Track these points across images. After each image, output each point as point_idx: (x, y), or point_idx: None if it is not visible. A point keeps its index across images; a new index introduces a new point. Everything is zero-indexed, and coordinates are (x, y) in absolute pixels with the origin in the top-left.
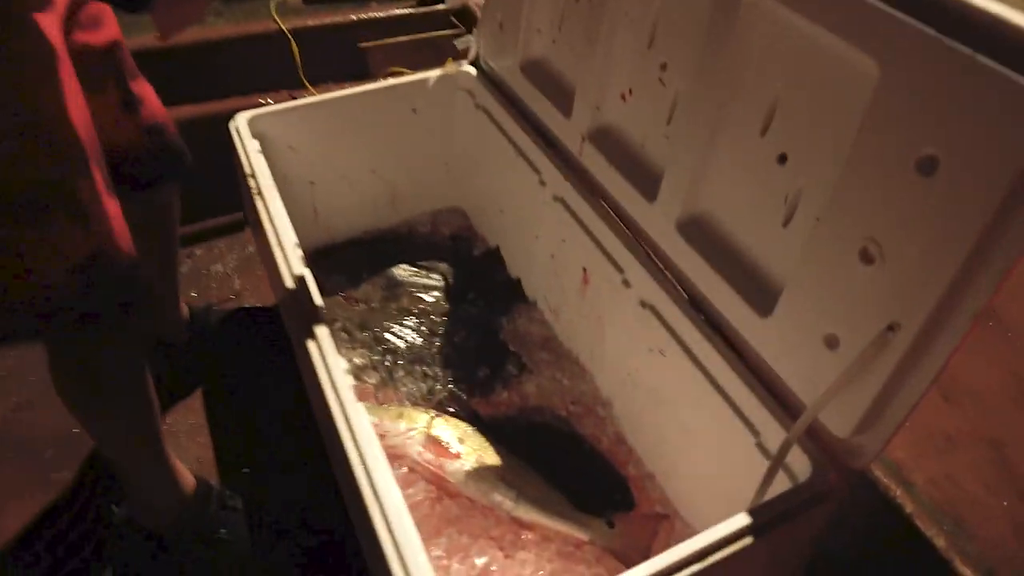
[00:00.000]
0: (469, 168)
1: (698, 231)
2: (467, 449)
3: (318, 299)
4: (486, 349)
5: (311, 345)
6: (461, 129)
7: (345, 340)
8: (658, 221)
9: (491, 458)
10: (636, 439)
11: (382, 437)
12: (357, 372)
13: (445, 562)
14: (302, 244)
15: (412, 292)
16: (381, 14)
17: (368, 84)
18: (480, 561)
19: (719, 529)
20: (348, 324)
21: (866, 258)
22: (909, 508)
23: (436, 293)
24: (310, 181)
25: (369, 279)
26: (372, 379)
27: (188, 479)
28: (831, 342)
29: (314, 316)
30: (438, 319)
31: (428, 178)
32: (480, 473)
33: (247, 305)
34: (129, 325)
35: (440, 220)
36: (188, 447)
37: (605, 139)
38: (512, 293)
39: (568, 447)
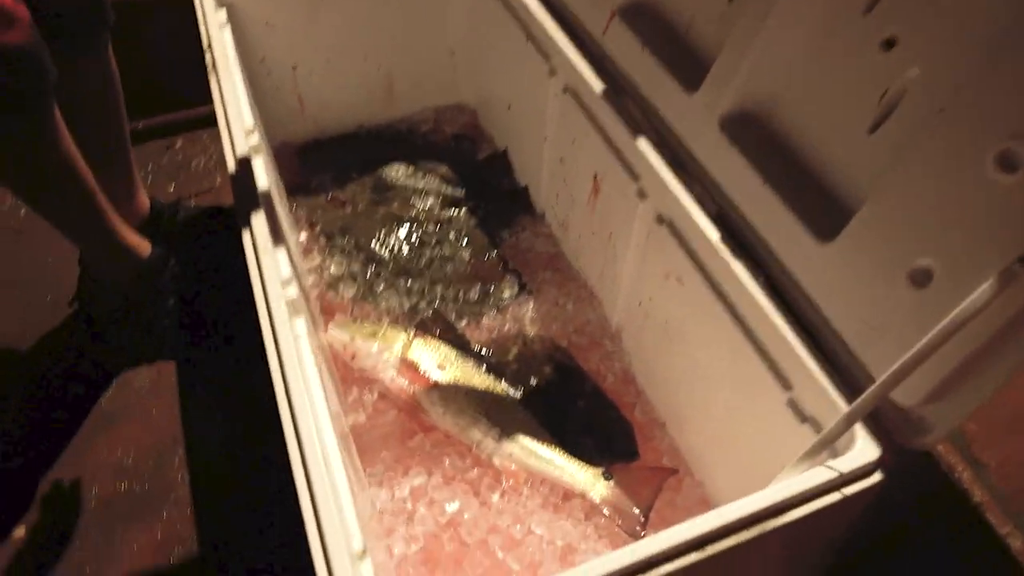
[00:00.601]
0: (476, 56)
1: (748, 130)
2: (447, 377)
3: (262, 182)
4: (482, 264)
5: (246, 238)
6: (464, 6)
7: (323, 246)
8: (696, 117)
9: (474, 389)
10: (646, 380)
11: (353, 358)
12: (333, 282)
13: (410, 506)
14: (286, 138)
15: (405, 196)
16: None
17: None
18: (451, 507)
19: (738, 507)
20: (329, 228)
21: (1007, 165)
22: (977, 496)
23: (432, 199)
24: (292, 65)
25: (358, 179)
26: (349, 291)
27: (142, 247)
28: (919, 277)
29: (253, 203)
30: (431, 228)
31: (430, 67)
32: (460, 405)
33: (225, 205)
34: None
35: (444, 118)
36: None
37: (640, 16)
38: (518, 203)
39: (566, 383)
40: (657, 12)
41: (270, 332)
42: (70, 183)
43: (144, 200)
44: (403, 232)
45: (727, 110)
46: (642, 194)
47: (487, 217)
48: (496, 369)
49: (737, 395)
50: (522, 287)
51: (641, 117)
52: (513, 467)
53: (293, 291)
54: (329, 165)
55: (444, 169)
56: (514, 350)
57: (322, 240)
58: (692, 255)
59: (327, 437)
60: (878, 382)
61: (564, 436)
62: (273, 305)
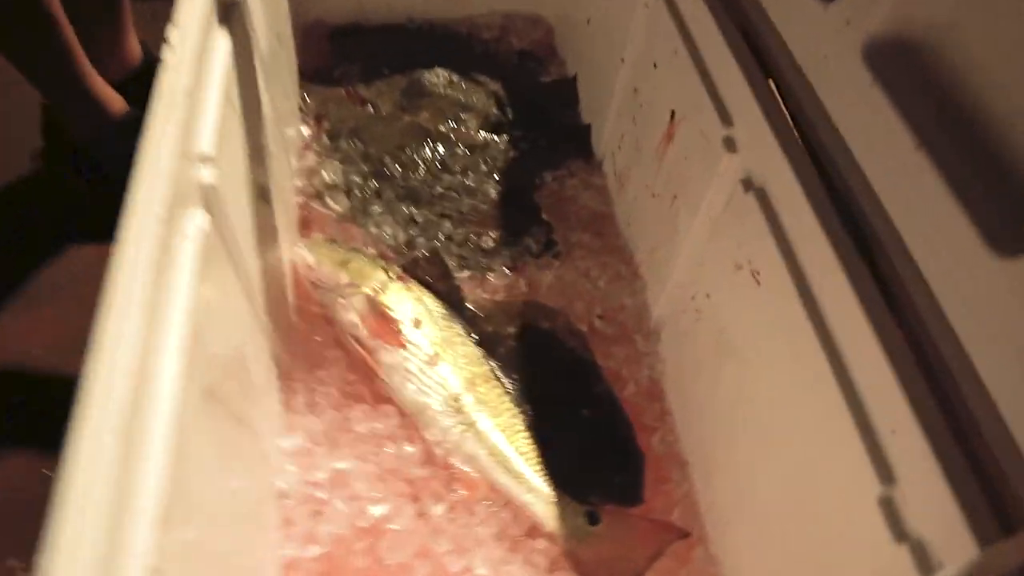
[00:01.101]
0: None
1: (903, 66)
2: (421, 338)
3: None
4: (509, 207)
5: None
6: None
7: (326, 146)
8: (829, 37)
9: (451, 361)
10: (678, 399)
11: (315, 286)
12: (323, 190)
13: (324, 495)
14: (321, 15)
15: (439, 108)
16: None
17: None
18: (376, 510)
19: None
20: (338, 126)
21: None
22: None
23: (472, 117)
24: None
25: (390, 77)
26: (339, 204)
27: (114, 104)
28: None
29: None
30: (460, 151)
31: None
32: (428, 378)
33: None
34: None
35: (513, 27)
36: None
37: None
38: (575, 142)
39: (573, 380)
40: None
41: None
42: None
43: (135, 48)
44: (425, 149)
45: (876, 32)
46: (731, 144)
47: (533, 152)
48: (488, 342)
49: (803, 460)
50: (549, 245)
51: (751, 38)
52: (474, 475)
53: (208, 174)
54: (361, 55)
55: (496, 86)
56: (518, 322)
57: (325, 139)
58: (783, 242)
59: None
60: None
61: (552, 450)
62: (144, 181)
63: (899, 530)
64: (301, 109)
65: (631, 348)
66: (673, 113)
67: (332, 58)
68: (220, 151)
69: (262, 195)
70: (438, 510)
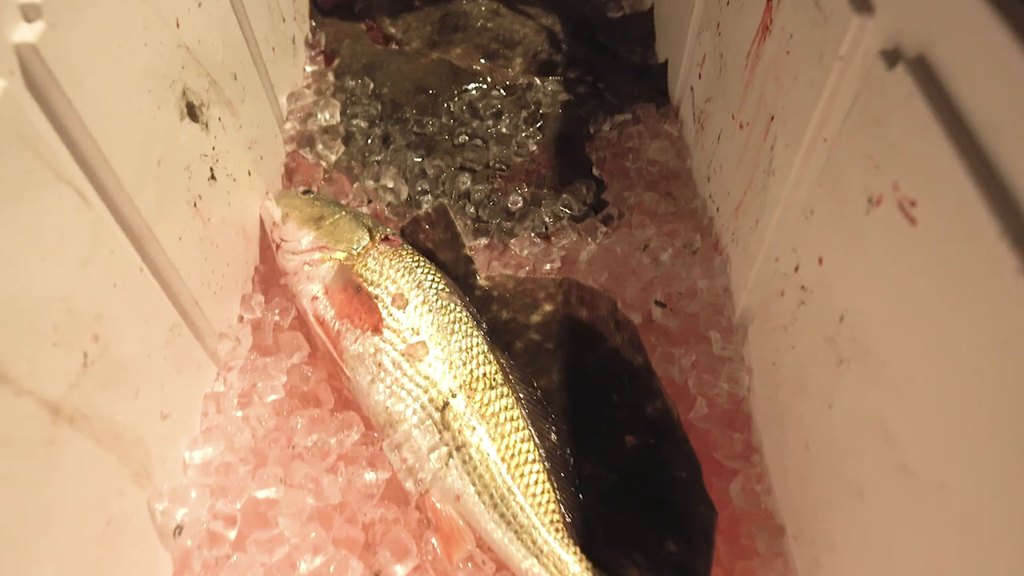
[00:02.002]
0: None
1: None
2: (404, 322)
3: None
4: (547, 160)
5: None
6: None
7: (331, 84)
8: None
9: (442, 356)
10: (772, 431)
11: (277, 248)
12: (317, 136)
13: (232, 533)
14: None
15: (477, 43)
16: None
17: None
18: (305, 565)
19: None
20: (349, 61)
21: None
22: None
23: (516, 55)
24: None
25: (421, 9)
26: (333, 152)
27: None
28: None
29: None
30: (496, 94)
31: None
32: (402, 379)
33: None
34: None
35: None
36: None
37: None
38: (647, 83)
39: (616, 393)
40: None
41: None
42: None
43: None
44: (452, 89)
45: None
46: (864, 2)
47: (590, 96)
48: (501, 333)
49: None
50: (598, 206)
51: None
52: (457, 522)
53: (28, 31)
54: None
55: (550, 19)
56: (546, 307)
57: (331, 77)
58: (965, 136)
59: None
60: None
61: (579, 494)
62: None
63: None
64: (308, 43)
65: (704, 350)
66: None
67: None
68: (64, 12)
69: (187, 112)
70: (399, 572)
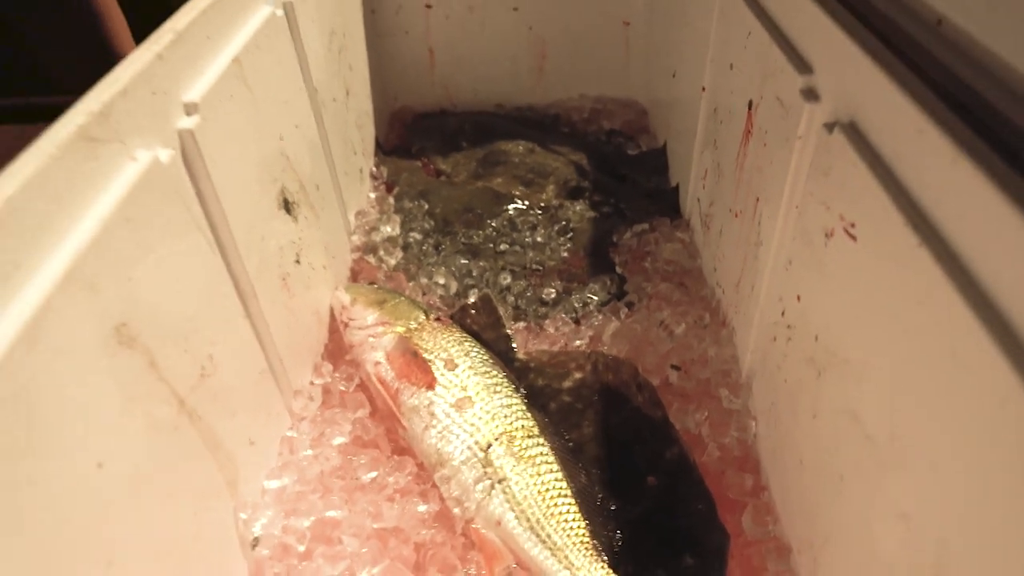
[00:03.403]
0: (657, 32)
1: None
2: (453, 382)
3: None
4: (576, 262)
5: None
6: None
7: (390, 206)
8: None
9: (486, 408)
10: (776, 467)
11: (345, 326)
12: (379, 245)
13: (303, 547)
14: (408, 102)
15: (516, 175)
16: None
17: None
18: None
19: None
20: (407, 189)
21: None
22: None
23: (550, 185)
24: (427, 3)
25: (468, 149)
26: (392, 258)
27: None
28: None
29: None
30: (532, 214)
31: (594, 39)
32: (451, 425)
33: None
34: None
35: (605, 111)
36: None
37: None
38: (661, 204)
39: (640, 442)
40: None
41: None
42: None
43: None
44: (495, 209)
45: None
46: (811, 94)
47: (613, 214)
48: (538, 396)
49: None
50: (621, 295)
51: None
52: (497, 544)
53: (189, 121)
54: (440, 133)
55: (578, 156)
56: (576, 375)
57: (391, 200)
58: (883, 173)
59: None
60: None
61: (607, 523)
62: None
63: None
64: (372, 176)
65: (715, 405)
66: (750, 103)
67: (412, 136)
68: (213, 112)
69: (284, 206)
70: None
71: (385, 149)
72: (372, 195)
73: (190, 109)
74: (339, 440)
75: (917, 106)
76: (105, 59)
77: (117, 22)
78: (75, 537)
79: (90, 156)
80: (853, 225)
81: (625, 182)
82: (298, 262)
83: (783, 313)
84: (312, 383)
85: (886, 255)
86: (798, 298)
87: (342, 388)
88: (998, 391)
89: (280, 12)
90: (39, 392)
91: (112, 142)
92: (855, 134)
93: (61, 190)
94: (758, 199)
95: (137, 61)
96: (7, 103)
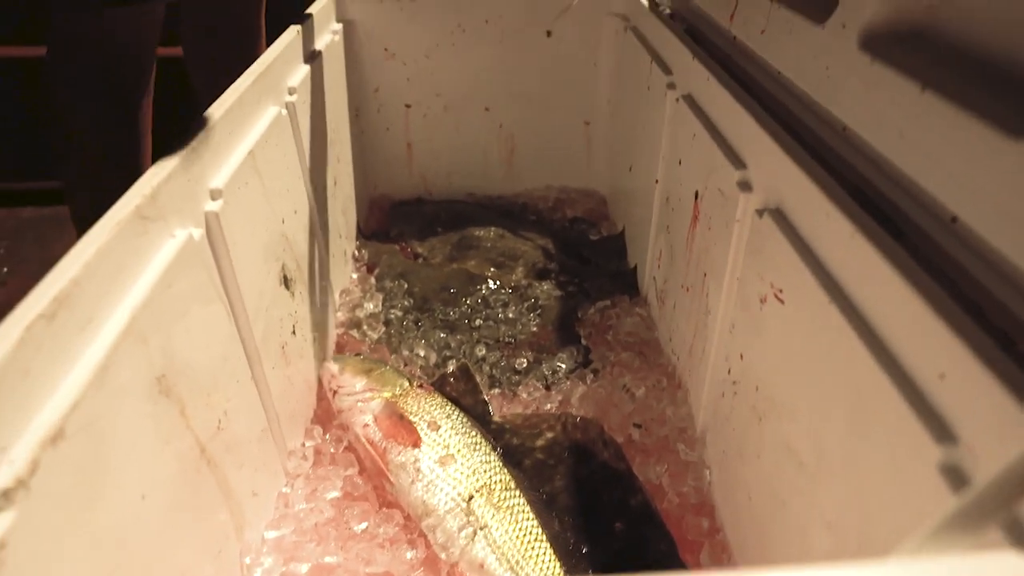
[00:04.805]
0: (615, 130)
1: (904, 42)
2: (436, 441)
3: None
4: (545, 335)
5: None
6: (608, 67)
7: (372, 286)
8: (826, 50)
9: (466, 464)
10: (729, 509)
11: (334, 393)
12: (363, 321)
13: None
14: (387, 191)
15: (488, 258)
16: None
17: None
18: None
19: None
20: (387, 270)
21: None
22: None
23: (520, 267)
24: (406, 103)
25: (443, 234)
26: (374, 333)
27: None
28: None
29: None
30: (504, 293)
31: (558, 136)
32: (435, 479)
33: None
34: None
35: (569, 200)
36: None
37: None
38: (621, 283)
39: (606, 491)
40: None
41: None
42: None
43: None
44: (469, 289)
45: (867, 25)
46: (745, 185)
47: (578, 293)
48: (513, 454)
49: (852, 483)
50: (586, 363)
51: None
52: None
53: (214, 205)
54: (417, 219)
55: (545, 241)
56: (547, 435)
57: (372, 281)
58: (802, 249)
59: None
60: None
61: (579, 563)
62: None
63: (961, 486)
64: (355, 258)
65: (673, 458)
66: (697, 194)
67: (391, 222)
68: (232, 197)
69: (284, 282)
70: None
71: (365, 233)
72: (354, 275)
73: (215, 194)
74: (332, 495)
75: (825, 195)
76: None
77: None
78: (121, 560)
79: (142, 232)
80: (781, 291)
81: (588, 264)
82: (294, 333)
83: (729, 371)
84: (304, 444)
85: (806, 313)
86: (741, 356)
87: (332, 450)
88: (890, 414)
89: (284, 112)
90: (104, 425)
91: (158, 220)
92: (780, 217)
93: (122, 258)
94: (705, 274)
95: (176, 152)
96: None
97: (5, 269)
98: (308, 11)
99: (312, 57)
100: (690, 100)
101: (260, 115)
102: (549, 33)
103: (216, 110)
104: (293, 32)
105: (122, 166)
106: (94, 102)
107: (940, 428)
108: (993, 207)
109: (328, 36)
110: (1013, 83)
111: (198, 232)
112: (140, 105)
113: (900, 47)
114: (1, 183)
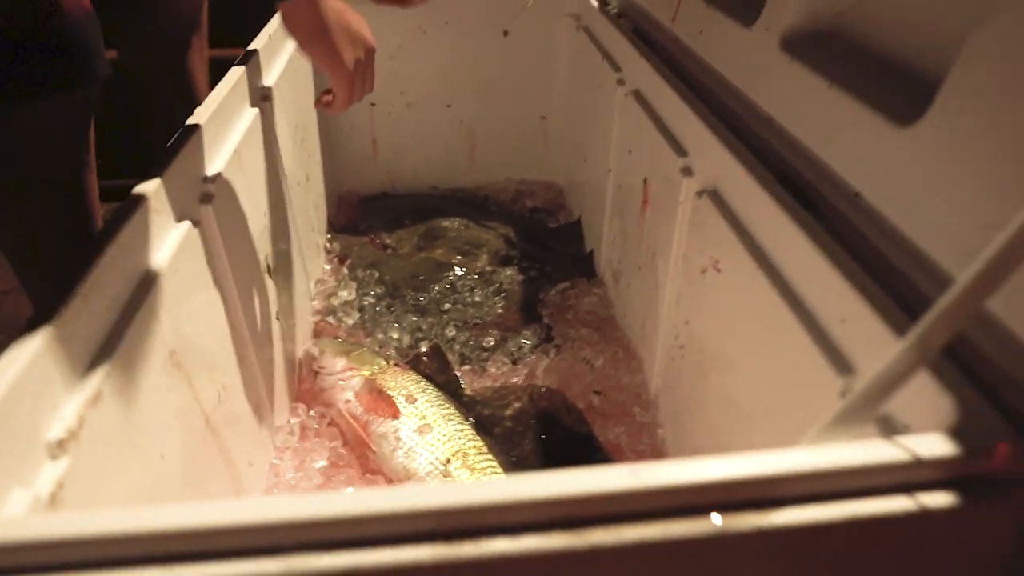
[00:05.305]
0: (570, 124)
1: (817, 44)
2: (414, 412)
3: None
4: (510, 314)
5: None
6: (562, 65)
7: (345, 276)
8: (752, 49)
9: (442, 432)
10: (680, 455)
11: (316, 374)
12: (338, 308)
13: None
14: (354, 186)
15: (454, 247)
16: None
17: None
18: None
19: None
20: (358, 261)
21: None
22: None
23: (483, 254)
24: (371, 102)
25: (411, 226)
26: (350, 318)
27: None
28: None
29: None
30: (470, 279)
31: (517, 130)
32: (415, 446)
33: None
34: None
35: (527, 191)
36: None
37: None
38: (578, 267)
39: (569, 452)
40: None
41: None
42: None
43: None
44: (437, 275)
45: (786, 29)
46: (687, 171)
47: (538, 277)
48: (484, 423)
49: (771, 415)
50: (548, 339)
51: (691, 82)
52: None
53: (209, 188)
54: (385, 212)
55: (507, 230)
56: (515, 405)
57: (345, 271)
58: (734, 220)
59: None
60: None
61: None
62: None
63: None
64: (327, 250)
65: (630, 420)
66: (646, 180)
67: (361, 216)
68: (222, 191)
69: (268, 271)
70: None
71: (336, 227)
72: (327, 267)
73: (208, 188)
74: (319, 464)
75: (752, 177)
76: None
77: None
78: None
79: (152, 222)
80: (718, 262)
81: (548, 250)
82: (277, 319)
83: (676, 336)
84: (290, 422)
85: (738, 279)
86: (687, 323)
87: (316, 426)
88: (803, 354)
89: (260, 112)
90: (131, 390)
91: (163, 213)
92: (717, 198)
93: (140, 244)
94: (655, 253)
95: (178, 150)
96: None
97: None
98: (276, 15)
99: (284, 61)
100: (638, 95)
101: (241, 115)
102: (506, 33)
103: (203, 112)
104: (265, 37)
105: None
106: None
107: (841, 363)
108: (887, 185)
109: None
110: (904, 79)
111: (196, 221)
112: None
113: (813, 48)
114: None
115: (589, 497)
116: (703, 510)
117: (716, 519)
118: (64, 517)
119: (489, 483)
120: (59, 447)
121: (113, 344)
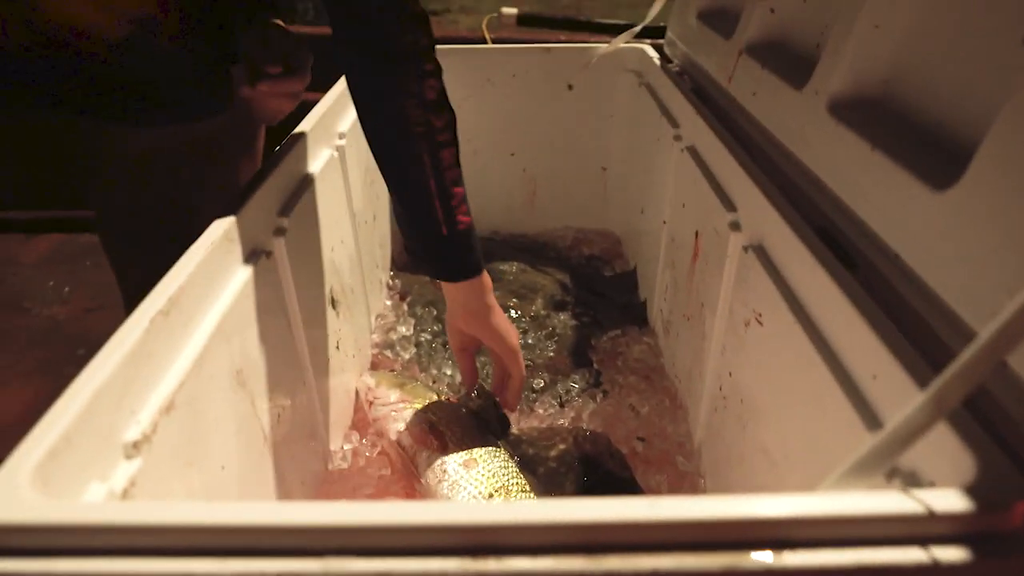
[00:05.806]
0: (629, 176)
1: (861, 109)
2: (459, 449)
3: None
4: (561, 359)
5: None
6: (623, 119)
7: (404, 312)
8: (802, 112)
9: (487, 468)
10: None
11: (370, 405)
12: (395, 342)
13: None
14: None
15: (510, 290)
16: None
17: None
18: None
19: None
20: (417, 298)
21: None
22: None
23: (539, 298)
24: None
25: None
26: (406, 353)
27: None
28: None
29: None
30: (524, 321)
31: (577, 180)
32: (459, 480)
33: None
34: None
35: (586, 239)
36: None
37: (763, 49)
38: (632, 315)
39: (609, 495)
40: (779, 36)
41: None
42: None
43: None
44: None
45: (833, 94)
46: (736, 226)
47: (591, 324)
48: (529, 463)
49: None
50: (596, 384)
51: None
52: None
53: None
54: None
55: (562, 275)
56: (560, 446)
57: (404, 307)
58: (776, 274)
59: None
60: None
61: None
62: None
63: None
64: (388, 286)
65: (673, 469)
66: (697, 233)
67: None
68: (295, 224)
69: (332, 303)
70: None
71: (398, 265)
72: (388, 302)
73: (282, 222)
74: (367, 491)
75: (796, 234)
76: None
77: None
78: None
79: (228, 251)
80: (760, 315)
81: (602, 297)
82: (338, 349)
83: (720, 388)
84: (343, 448)
85: (778, 332)
86: (730, 374)
87: (367, 453)
88: (835, 408)
89: (336, 154)
90: (199, 403)
91: (238, 242)
92: (762, 253)
93: (214, 271)
94: (703, 304)
95: (257, 186)
96: None
97: (67, 289)
98: None
99: None
100: (693, 151)
101: (319, 155)
102: (571, 87)
103: (284, 151)
104: (342, 83)
105: None
106: None
107: (871, 418)
108: (922, 245)
109: None
110: (942, 146)
111: (270, 252)
112: None
113: (859, 112)
114: (63, 211)
115: (607, 524)
116: (717, 546)
117: (728, 556)
118: (137, 506)
119: (514, 505)
120: (134, 448)
121: (187, 359)
